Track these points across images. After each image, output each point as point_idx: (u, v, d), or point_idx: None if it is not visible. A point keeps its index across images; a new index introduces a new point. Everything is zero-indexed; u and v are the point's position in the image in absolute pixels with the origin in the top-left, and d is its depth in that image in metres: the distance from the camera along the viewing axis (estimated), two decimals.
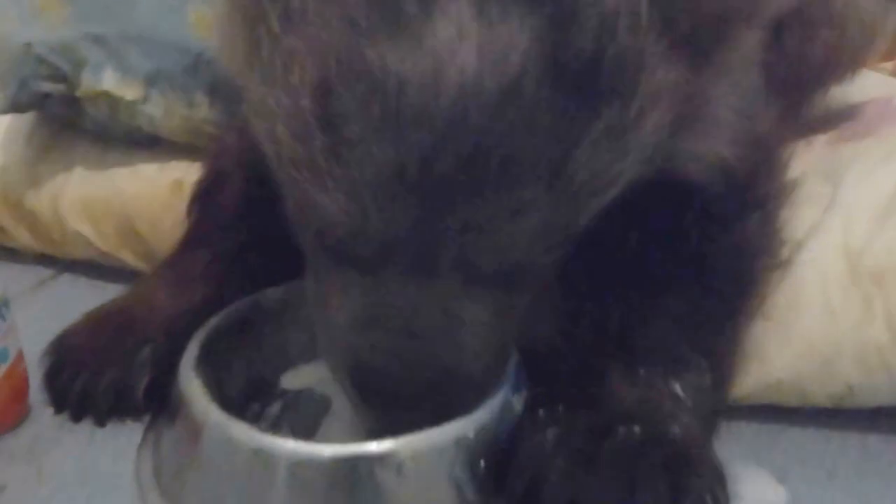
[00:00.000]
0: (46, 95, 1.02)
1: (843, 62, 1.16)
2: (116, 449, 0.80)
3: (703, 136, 0.70)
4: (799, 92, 1.11)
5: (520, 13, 0.57)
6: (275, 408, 0.81)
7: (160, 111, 1.01)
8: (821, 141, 1.13)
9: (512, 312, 0.69)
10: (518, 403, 0.73)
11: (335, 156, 0.60)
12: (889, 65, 1.36)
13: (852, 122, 1.19)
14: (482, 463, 0.69)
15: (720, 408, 0.79)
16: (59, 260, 1.13)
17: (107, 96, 1.01)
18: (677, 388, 0.74)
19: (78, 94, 1.01)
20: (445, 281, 0.63)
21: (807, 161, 1.02)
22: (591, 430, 0.69)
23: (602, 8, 0.58)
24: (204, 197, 0.92)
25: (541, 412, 0.72)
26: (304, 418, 0.81)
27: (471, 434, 0.68)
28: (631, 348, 0.76)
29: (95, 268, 1.11)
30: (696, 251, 0.78)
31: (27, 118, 1.11)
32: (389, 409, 0.68)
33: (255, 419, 0.78)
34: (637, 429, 0.69)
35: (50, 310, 1.00)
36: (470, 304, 0.65)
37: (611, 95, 0.60)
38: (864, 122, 1.19)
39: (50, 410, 0.83)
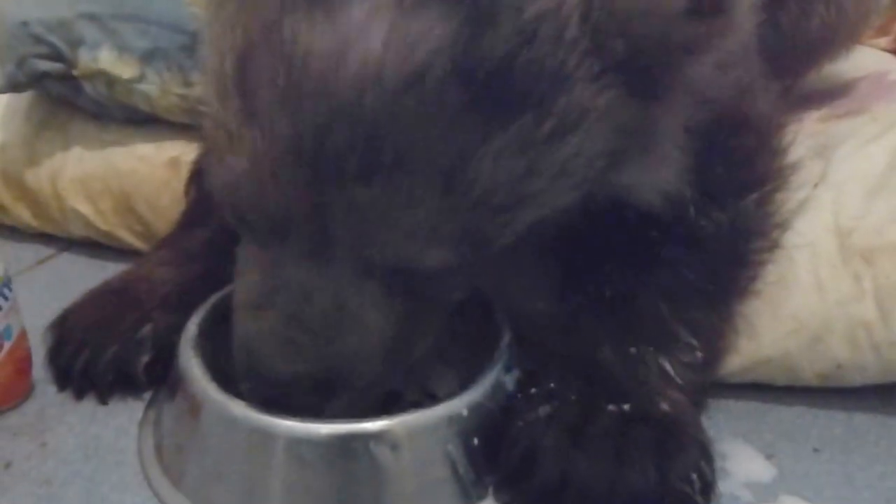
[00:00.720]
0: (44, 74, 1.02)
1: (840, 38, 1.16)
2: (119, 425, 0.81)
3: (648, 172, 0.69)
4: (795, 70, 1.11)
5: (438, 8, 0.56)
6: None
7: (156, 90, 1.01)
8: (813, 117, 1.13)
9: (415, 320, 0.67)
10: (510, 382, 0.75)
11: (245, 121, 0.61)
12: (883, 40, 1.36)
13: (846, 99, 1.19)
14: (475, 440, 0.71)
15: (709, 384, 0.81)
16: (60, 238, 1.14)
17: (104, 75, 1.01)
18: (667, 365, 0.75)
19: (75, 72, 1.01)
20: (339, 269, 0.62)
21: (799, 138, 1.01)
22: (582, 408, 0.71)
23: (523, 15, 0.57)
24: (201, 176, 0.92)
25: (533, 390, 0.74)
26: None
27: (464, 412, 0.70)
28: (623, 326, 0.77)
29: (95, 246, 1.11)
30: (692, 231, 0.79)
31: (25, 97, 1.11)
32: (268, 393, 0.68)
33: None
34: (626, 406, 0.71)
35: (51, 288, 1.01)
36: (363, 300, 0.64)
37: (521, 106, 0.59)
38: (857, 98, 1.19)
39: (53, 387, 0.85)
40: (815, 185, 0.94)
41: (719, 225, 0.80)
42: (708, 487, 0.69)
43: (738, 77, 0.80)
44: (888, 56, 1.34)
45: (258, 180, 0.61)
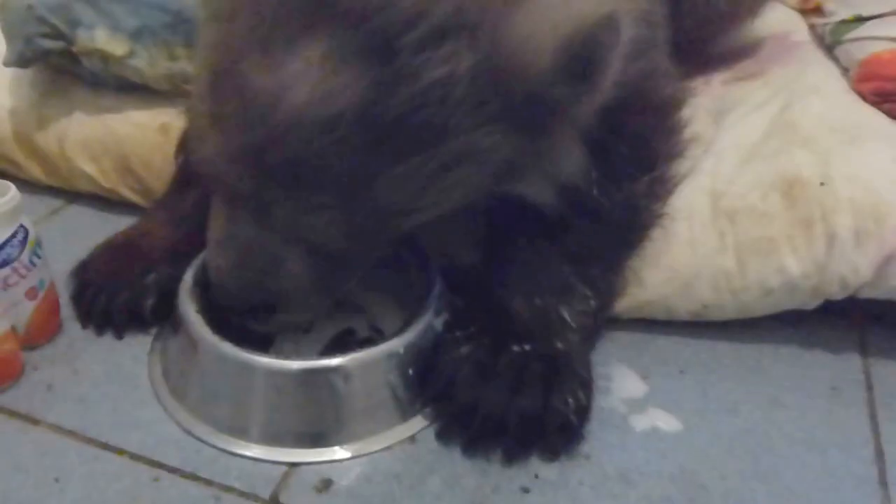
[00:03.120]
0: (48, 51, 1.12)
1: (746, 7, 1.26)
2: (134, 354, 0.97)
3: (544, 178, 0.82)
4: (702, 47, 1.20)
5: (354, 70, 0.70)
6: None
7: (145, 64, 1.12)
8: (718, 80, 1.22)
9: (336, 272, 0.85)
10: (439, 325, 0.92)
11: (213, 122, 0.77)
12: None
13: (749, 61, 1.26)
14: (410, 371, 0.88)
15: (601, 325, 0.97)
16: (67, 191, 1.24)
17: (99, 52, 1.12)
18: (565, 313, 0.91)
19: (74, 49, 1.12)
20: (274, 234, 0.80)
21: (702, 101, 1.11)
22: (493, 347, 0.88)
23: (418, 82, 0.70)
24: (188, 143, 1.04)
25: (457, 333, 0.90)
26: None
27: (401, 350, 0.88)
28: (532, 282, 0.92)
29: (99, 199, 1.23)
30: (594, 206, 0.91)
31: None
32: (232, 313, 0.87)
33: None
34: (527, 346, 0.88)
35: (64, 235, 1.14)
36: (292, 257, 0.81)
37: (414, 148, 0.73)
38: (759, 60, 1.26)
39: (78, 324, 1.01)
40: (704, 151, 1.05)
41: (617, 201, 0.93)
42: (582, 409, 0.85)
43: (642, 66, 0.89)
44: (795, 15, 1.40)
45: (218, 164, 0.77)
